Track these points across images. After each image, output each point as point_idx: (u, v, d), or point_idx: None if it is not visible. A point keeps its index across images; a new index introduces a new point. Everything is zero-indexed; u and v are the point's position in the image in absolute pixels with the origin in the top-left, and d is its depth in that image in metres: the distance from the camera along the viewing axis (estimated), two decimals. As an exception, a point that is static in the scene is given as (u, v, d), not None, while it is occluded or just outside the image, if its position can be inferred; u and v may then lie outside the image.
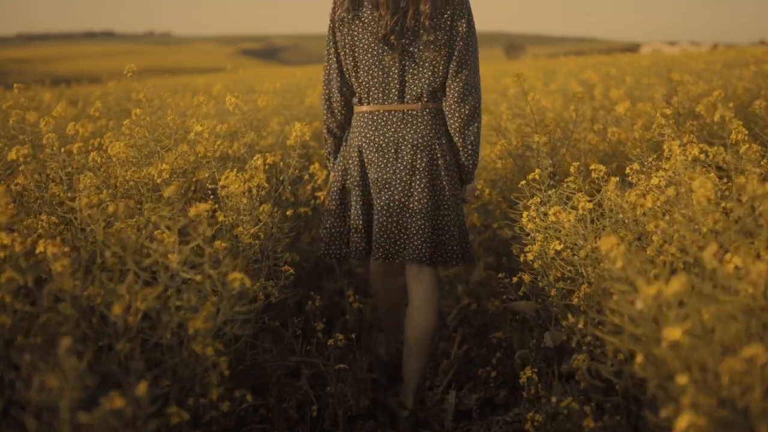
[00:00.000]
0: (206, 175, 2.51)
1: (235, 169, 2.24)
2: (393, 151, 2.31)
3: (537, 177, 2.29)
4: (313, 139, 3.88)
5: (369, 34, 2.27)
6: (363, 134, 2.34)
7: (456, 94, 2.29)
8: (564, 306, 2.02)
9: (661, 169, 2.06)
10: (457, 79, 2.28)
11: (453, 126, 2.32)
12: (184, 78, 14.16)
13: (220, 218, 2.12)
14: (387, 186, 2.31)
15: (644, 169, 2.45)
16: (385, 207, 2.31)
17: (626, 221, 1.94)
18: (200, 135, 2.44)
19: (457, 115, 2.30)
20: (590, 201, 2.16)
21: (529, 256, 2.06)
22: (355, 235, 2.37)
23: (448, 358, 2.93)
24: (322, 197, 2.80)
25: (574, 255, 2.07)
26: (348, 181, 2.39)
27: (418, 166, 2.29)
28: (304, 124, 2.77)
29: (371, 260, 2.56)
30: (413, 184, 2.30)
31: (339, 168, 2.43)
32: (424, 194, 2.29)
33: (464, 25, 2.26)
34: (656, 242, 1.88)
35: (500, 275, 2.50)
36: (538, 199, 2.14)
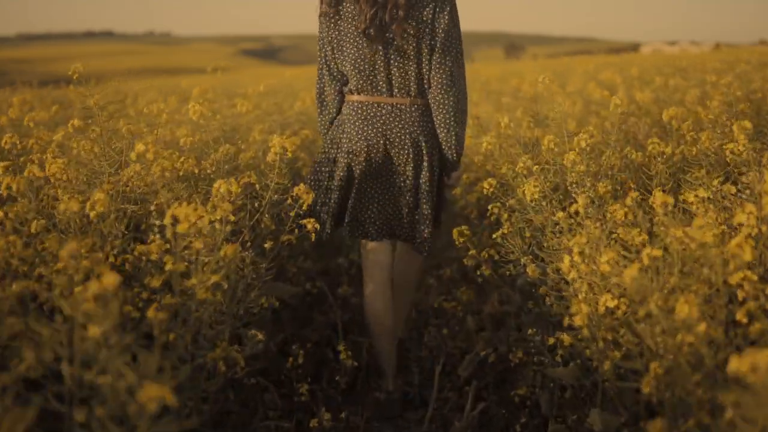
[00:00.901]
0: (152, 208, 2.00)
1: (185, 203, 1.74)
2: (382, 142, 2.36)
3: (581, 210, 1.80)
4: (302, 149, 3.37)
5: (353, 27, 2.31)
6: (352, 122, 2.38)
7: (439, 86, 2.31)
8: (622, 386, 1.52)
9: (749, 202, 1.57)
10: (440, 71, 2.31)
11: (437, 117, 2.35)
12: (174, 79, 13.66)
13: (169, 265, 1.62)
14: (373, 176, 2.38)
15: (711, 197, 1.95)
16: (372, 194, 2.41)
17: (712, 277, 1.44)
18: (143, 156, 1.93)
19: (441, 106, 2.33)
20: (648, 241, 1.68)
21: (577, 321, 1.56)
22: (328, 215, 2.45)
23: (460, 417, 2.43)
24: (309, 226, 2.31)
25: (630, 311, 1.57)
26: (330, 162, 2.45)
27: (403, 159, 2.36)
28: (286, 136, 2.29)
29: (365, 250, 2.56)
30: (400, 175, 2.38)
31: (326, 146, 2.49)
32: (406, 186, 2.38)
33: (446, 17, 2.28)
34: (750, 305, 1.39)
35: (531, 332, 2.00)
36: (584, 239, 1.64)
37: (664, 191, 2.42)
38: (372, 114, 2.35)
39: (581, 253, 1.62)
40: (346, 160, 2.39)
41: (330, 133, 2.46)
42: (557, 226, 1.98)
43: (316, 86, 2.48)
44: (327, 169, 2.45)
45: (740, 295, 1.46)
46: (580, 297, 1.68)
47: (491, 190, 2.44)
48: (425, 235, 2.39)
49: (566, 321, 1.63)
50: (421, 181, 2.36)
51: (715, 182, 2.02)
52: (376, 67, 2.31)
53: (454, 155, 2.39)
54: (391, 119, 2.34)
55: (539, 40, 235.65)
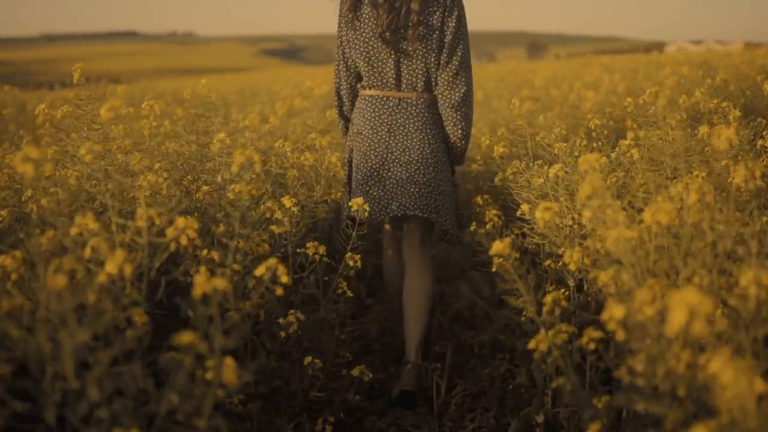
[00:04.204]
0: None
1: None
2: (386, 131, 2.55)
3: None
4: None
5: (369, 30, 2.51)
6: (362, 114, 2.60)
7: (445, 81, 2.52)
8: None
9: None
10: (448, 68, 2.51)
11: (444, 112, 2.56)
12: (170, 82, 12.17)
13: None
14: (384, 161, 2.54)
15: None
16: (385, 177, 2.53)
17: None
18: None
19: (447, 100, 2.53)
20: None
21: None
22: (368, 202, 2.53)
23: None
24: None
25: None
26: (354, 156, 2.64)
27: (410, 145, 2.52)
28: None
29: (385, 235, 2.80)
30: (410, 161, 2.52)
31: (348, 146, 2.69)
32: (418, 169, 2.51)
33: (454, 20, 2.49)
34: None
35: None
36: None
37: None
38: (380, 105, 2.56)
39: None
40: (360, 148, 2.57)
41: (350, 129, 2.66)
42: None
43: (333, 82, 2.68)
44: (355, 161, 2.60)
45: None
46: None
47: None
48: (447, 223, 2.55)
49: None
50: (431, 168, 2.52)
51: None
52: (388, 64, 2.51)
53: (458, 148, 2.60)
54: (397, 110, 2.55)
55: (560, 39, 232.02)
